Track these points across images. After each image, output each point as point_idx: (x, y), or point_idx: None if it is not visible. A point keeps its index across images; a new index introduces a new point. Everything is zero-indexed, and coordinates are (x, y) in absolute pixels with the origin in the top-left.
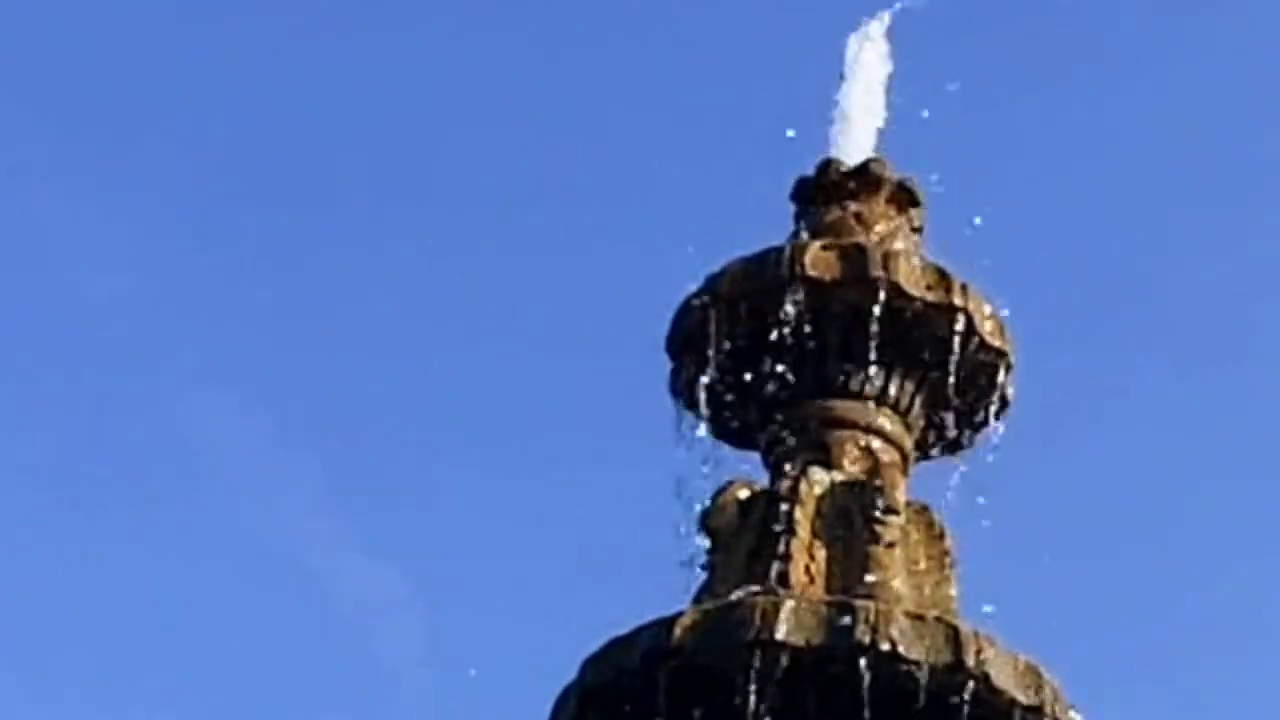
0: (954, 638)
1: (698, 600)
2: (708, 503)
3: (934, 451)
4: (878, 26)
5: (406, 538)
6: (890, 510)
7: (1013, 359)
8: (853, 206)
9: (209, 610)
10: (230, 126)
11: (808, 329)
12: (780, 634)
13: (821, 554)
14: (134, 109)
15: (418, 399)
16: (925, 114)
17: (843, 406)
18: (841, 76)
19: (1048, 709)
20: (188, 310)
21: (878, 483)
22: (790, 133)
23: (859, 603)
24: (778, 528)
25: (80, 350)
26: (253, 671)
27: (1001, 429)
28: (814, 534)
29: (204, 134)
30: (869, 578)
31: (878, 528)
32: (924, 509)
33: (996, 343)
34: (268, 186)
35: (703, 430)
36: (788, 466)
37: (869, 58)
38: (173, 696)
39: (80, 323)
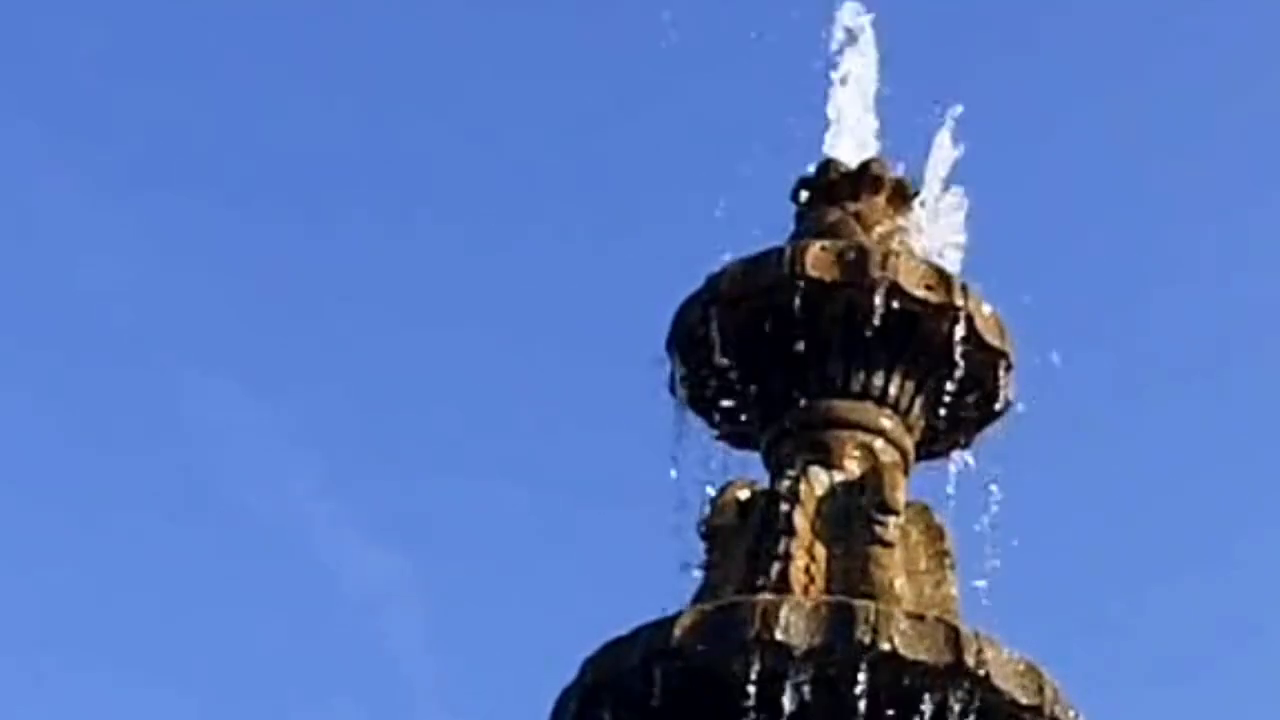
0: (954, 638)
1: (698, 601)
2: (708, 503)
3: (934, 451)
4: (865, 27)
5: (411, 525)
6: (890, 510)
7: (1013, 359)
8: (852, 206)
9: (213, 596)
10: (233, 116)
11: (808, 329)
12: (780, 634)
13: (821, 554)
14: (137, 99)
15: (421, 391)
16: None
17: (843, 406)
18: (832, 76)
19: (1048, 709)
20: (191, 298)
21: (878, 483)
22: (789, 122)
23: (859, 603)
24: (778, 528)
25: (83, 338)
26: (258, 657)
27: (1001, 429)
28: (814, 534)
29: (207, 123)
30: (869, 578)
31: (878, 528)
32: (924, 509)
33: (996, 343)
34: (271, 176)
35: (703, 430)
36: (788, 467)
37: (859, 57)
38: (178, 682)
39: (83, 311)
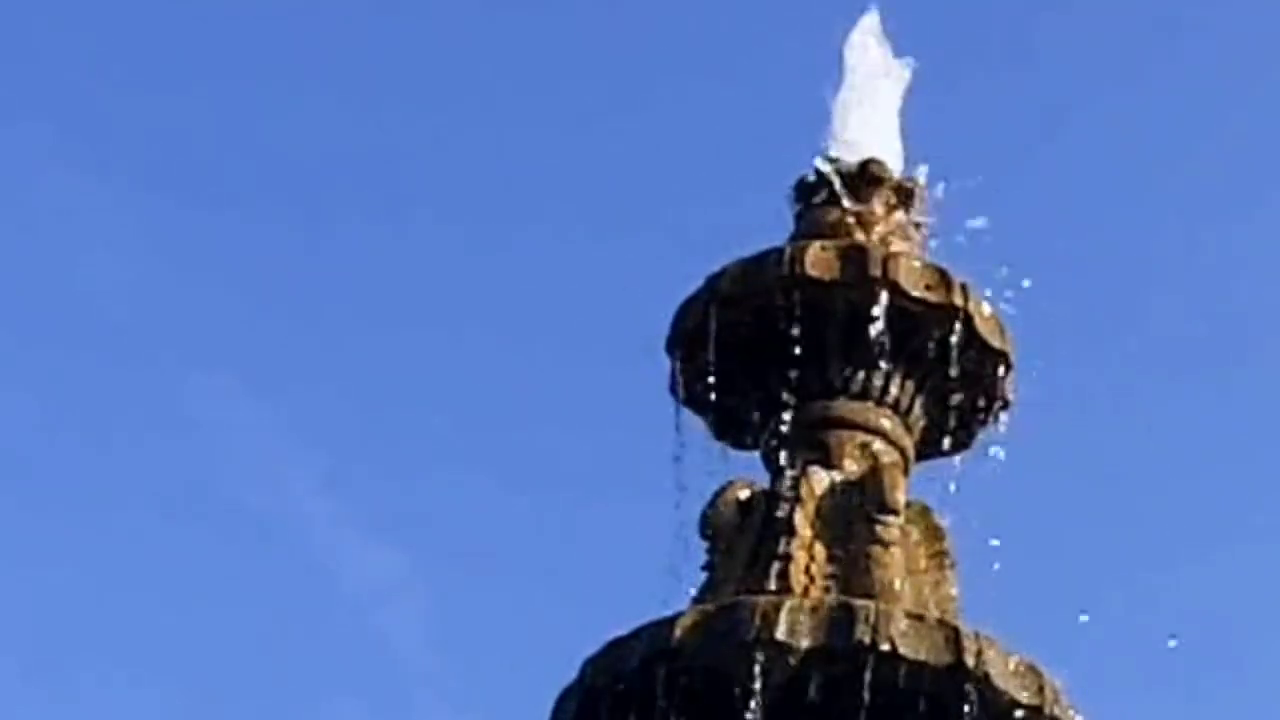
0: (954, 638)
1: (698, 600)
2: (708, 503)
3: (934, 451)
4: (870, 24)
5: (411, 523)
6: (890, 510)
7: (1013, 359)
8: (853, 206)
9: (213, 594)
10: (233, 115)
11: (808, 329)
12: (780, 634)
13: (821, 554)
14: (139, 98)
15: (421, 389)
16: (926, 113)
17: (843, 406)
18: (839, 75)
19: (1048, 709)
20: (192, 297)
21: (878, 483)
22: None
23: (859, 603)
24: (778, 528)
25: (83, 337)
26: (257, 655)
27: (1002, 429)
28: (814, 534)
29: (207, 122)
30: (869, 578)
31: (878, 528)
32: (924, 509)
33: (996, 343)
34: (271, 175)
35: (703, 430)
36: (788, 467)
37: (867, 55)
38: (177, 680)
39: (83, 310)
